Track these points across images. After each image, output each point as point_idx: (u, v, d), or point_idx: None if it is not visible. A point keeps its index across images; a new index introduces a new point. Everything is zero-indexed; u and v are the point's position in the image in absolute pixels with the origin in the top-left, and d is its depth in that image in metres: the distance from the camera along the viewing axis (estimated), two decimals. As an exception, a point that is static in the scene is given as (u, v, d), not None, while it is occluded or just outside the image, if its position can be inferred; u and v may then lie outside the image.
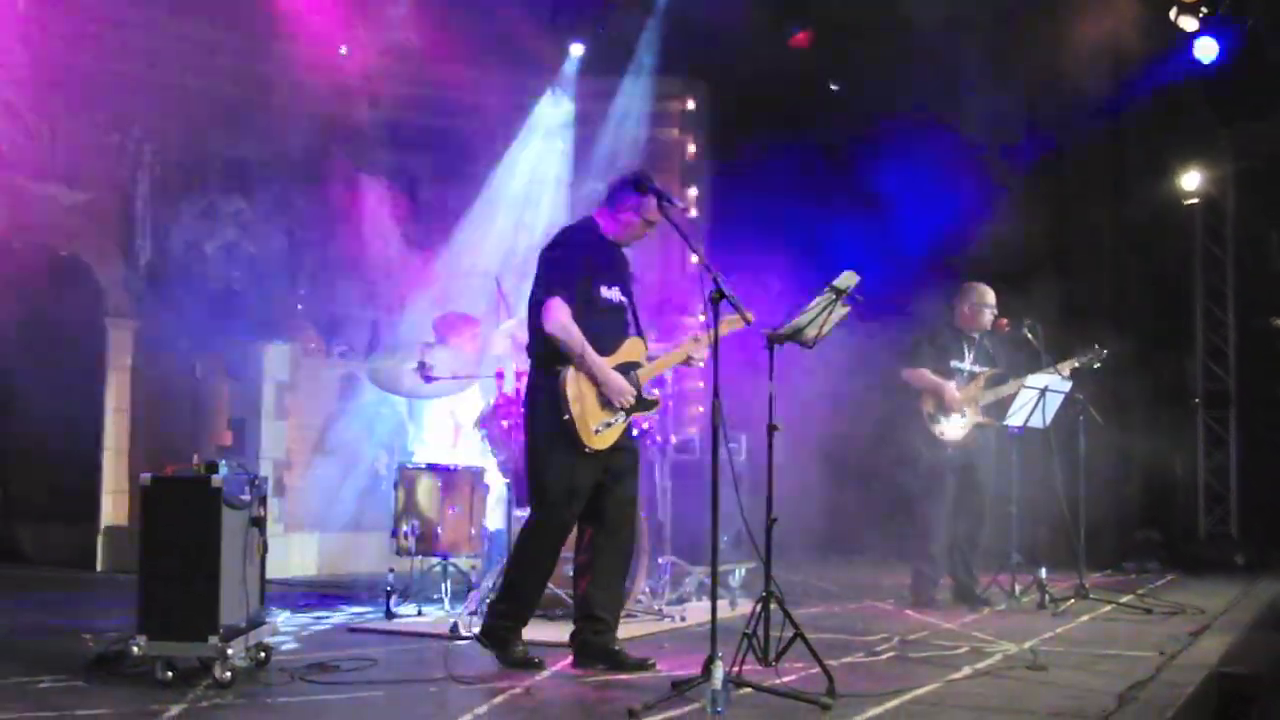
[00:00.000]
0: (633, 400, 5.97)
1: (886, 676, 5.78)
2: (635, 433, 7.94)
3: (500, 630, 5.97)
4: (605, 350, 5.93)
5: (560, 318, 5.80)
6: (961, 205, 12.09)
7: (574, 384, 5.81)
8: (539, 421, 5.97)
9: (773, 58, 12.90)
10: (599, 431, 5.88)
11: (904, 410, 8.85)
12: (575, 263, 5.95)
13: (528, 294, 6.10)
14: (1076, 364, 8.70)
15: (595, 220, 6.16)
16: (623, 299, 6.12)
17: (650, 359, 6.24)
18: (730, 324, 6.04)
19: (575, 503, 5.92)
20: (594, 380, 5.86)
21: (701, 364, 6.34)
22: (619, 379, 5.91)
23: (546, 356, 5.91)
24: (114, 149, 11.12)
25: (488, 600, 6.10)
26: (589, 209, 6.43)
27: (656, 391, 8.23)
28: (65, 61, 10.46)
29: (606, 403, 5.89)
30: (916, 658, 6.40)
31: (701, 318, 5.56)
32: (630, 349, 6.09)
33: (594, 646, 5.94)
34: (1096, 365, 8.78)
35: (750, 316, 5.64)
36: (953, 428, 8.62)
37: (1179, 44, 11.20)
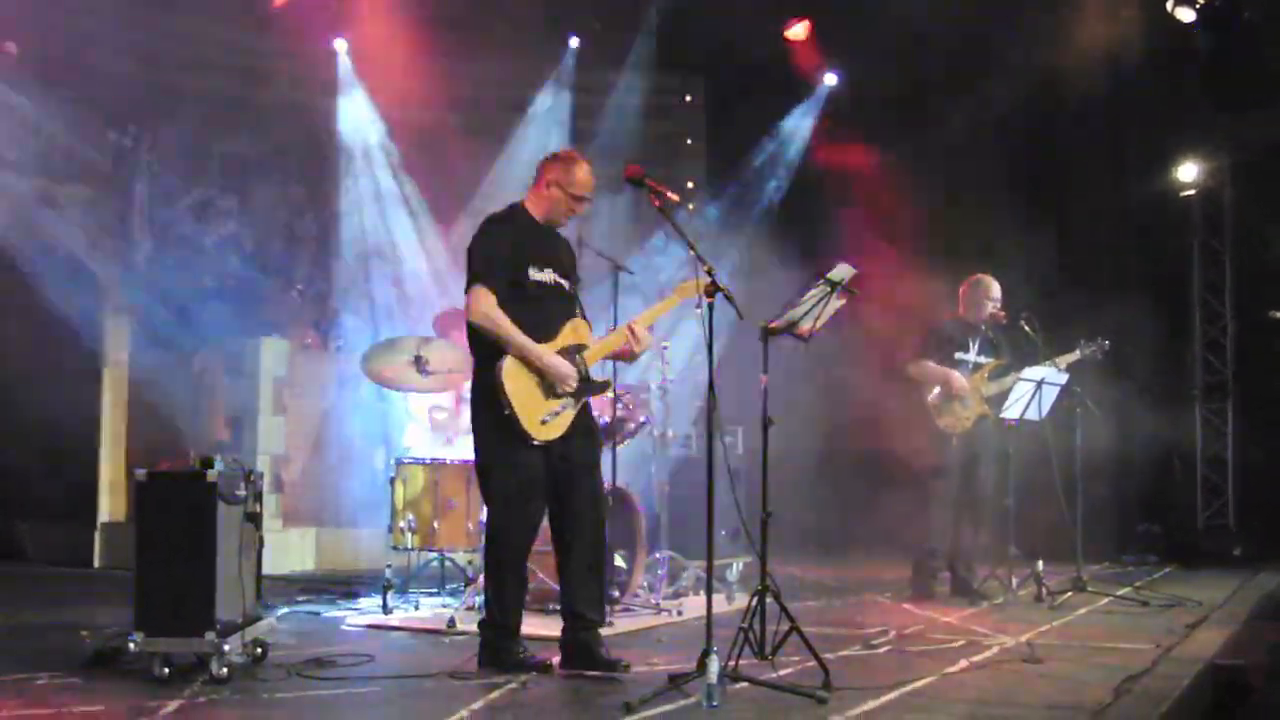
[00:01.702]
0: (575, 385, 5.72)
1: (883, 670, 5.78)
2: (635, 424, 7.94)
3: (494, 646, 5.74)
4: (546, 335, 5.69)
5: (482, 307, 5.59)
6: (959, 195, 12.10)
7: (512, 376, 5.57)
8: (481, 418, 5.74)
9: (771, 50, 12.92)
10: (546, 422, 5.64)
11: (907, 403, 8.85)
12: (497, 249, 5.71)
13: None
14: (1080, 355, 8.69)
15: (522, 205, 5.94)
16: (559, 281, 5.85)
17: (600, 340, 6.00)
18: (681, 292, 5.91)
19: (531, 499, 5.69)
20: (533, 368, 5.63)
21: (638, 350, 5.98)
22: (560, 363, 5.67)
23: (481, 348, 5.69)
24: (112, 145, 11.11)
25: (478, 622, 5.87)
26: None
27: (666, 368, 8.28)
28: (63, 59, 10.45)
29: (551, 390, 5.66)
30: (913, 651, 6.39)
31: (698, 311, 5.45)
32: (573, 332, 5.83)
33: (579, 645, 5.72)
34: (1099, 357, 8.78)
35: (743, 310, 5.49)
36: (957, 420, 8.61)
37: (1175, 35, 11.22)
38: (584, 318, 5.96)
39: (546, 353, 5.65)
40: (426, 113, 12.84)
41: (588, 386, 5.81)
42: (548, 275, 5.80)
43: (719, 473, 5.16)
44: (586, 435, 5.89)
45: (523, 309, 5.65)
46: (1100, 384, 9.49)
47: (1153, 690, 5.29)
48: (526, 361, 5.61)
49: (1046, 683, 5.50)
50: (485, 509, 5.88)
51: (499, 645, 5.73)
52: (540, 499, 5.74)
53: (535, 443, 5.61)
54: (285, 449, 11.14)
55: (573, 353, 5.77)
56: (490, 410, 5.61)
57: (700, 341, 5.35)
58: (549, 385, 5.65)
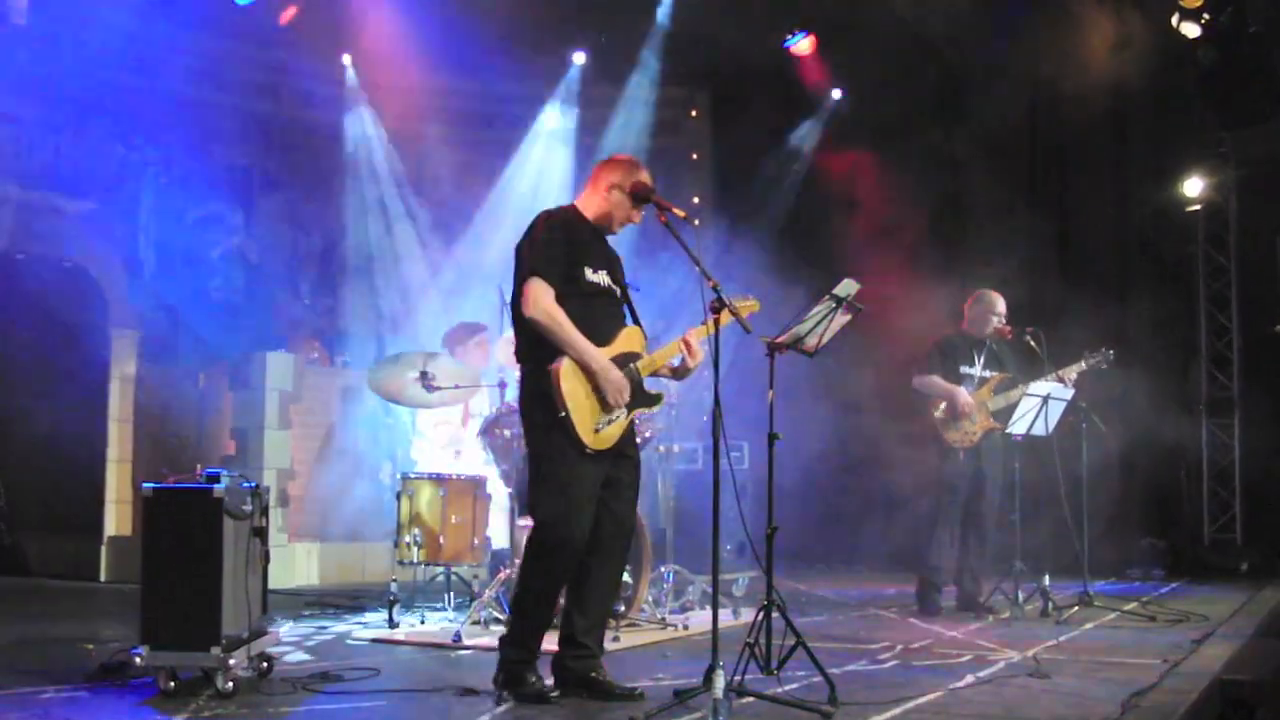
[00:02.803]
0: (629, 396, 5.43)
1: (889, 685, 5.77)
2: (641, 438, 7.88)
3: (516, 670, 5.39)
4: (599, 340, 5.38)
5: (542, 302, 5.28)
6: (961, 211, 12.11)
7: (569, 377, 5.26)
8: (534, 424, 5.40)
9: (775, 64, 12.96)
10: (600, 429, 5.33)
11: (912, 417, 8.85)
12: (555, 243, 5.41)
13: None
14: (1084, 366, 8.67)
15: (576, 206, 5.67)
16: (612, 285, 5.59)
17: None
18: (745, 309, 5.63)
19: (581, 515, 5.31)
20: (588, 371, 5.31)
21: (692, 365, 5.65)
22: (615, 372, 5.35)
23: (536, 348, 5.36)
24: (118, 159, 11.14)
25: (499, 638, 5.54)
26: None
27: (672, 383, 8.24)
28: (69, 72, 10.48)
29: (604, 398, 5.36)
30: (919, 666, 6.38)
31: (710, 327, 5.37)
32: (628, 339, 5.53)
33: (575, 673, 5.43)
34: (1104, 367, 8.75)
35: (749, 326, 5.39)
36: (964, 434, 8.60)
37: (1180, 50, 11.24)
38: (637, 322, 5.68)
39: (604, 361, 5.36)
40: (432, 127, 12.89)
41: (641, 398, 5.54)
42: (602, 278, 5.53)
43: (724, 487, 5.13)
44: (631, 459, 5.62)
45: (576, 310, 5.34)
46: (1106, 398, 9.48)
47: (1159, 705, 5.28)
48: (582, 364, 5.32)
49: (1052, 698, 5.49)
50: (529, 518, 5.56)
51: (520, 671, 5.40)
52: (587, 518, 5.36)
53: (588, 451, 5.31)
54: (291, 463, 11.15)
55: (626, 361, 5.47)
56: (544, 413, 5.29)
57: (706, 356, 5.32)
58: (601, 393, 5.36)
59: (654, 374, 5.73)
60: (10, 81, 10.17)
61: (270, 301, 11.93)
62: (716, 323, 5.19)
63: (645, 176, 5.65)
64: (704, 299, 5.26)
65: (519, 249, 5.51)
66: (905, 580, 9.49)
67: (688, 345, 5.59)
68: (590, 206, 5.65)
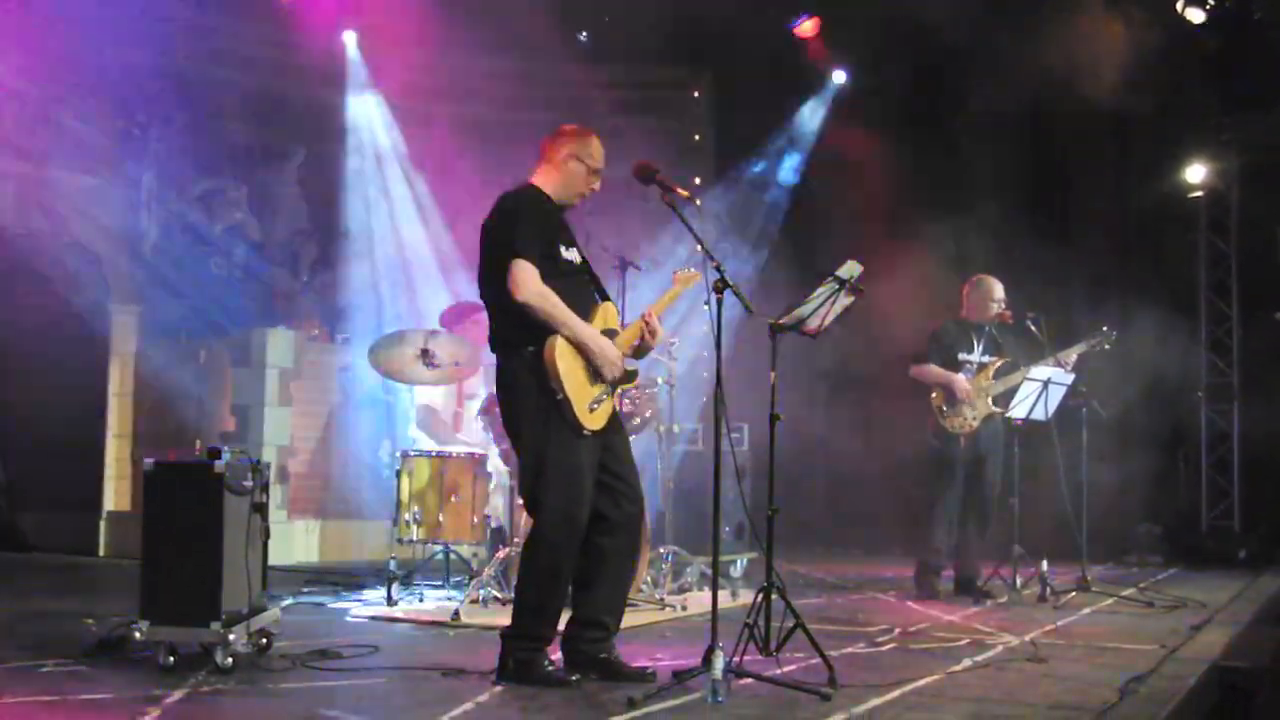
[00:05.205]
0: (622, 372, 5.38)
1: (887, 668, 5.78)
2: (641, 419, 7.91)
3: (523, 660, 5.22)
4: (583, 318, 5.30)
5: (533, 284, 5.14)
6: (960, 197, 12.09)
7: (564, 356, 5.16)
8: (524, 410, 5.25)
9: (779, 45, 12.93)
10: (593, 409, 5.25)
11: (913, 401, 8.86)
12: (533, 223, 5.28)
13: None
14: (1085, 347, 8.66)
15: (535, 184, 5.50)
16: (584, 261, 5.50)
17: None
18: (681, 281, 5.73)
19: (584, 500, 5.22)
20: (582, 351, 5.23)
21: (653, 344, 5.56)
22: (610, 347, 5.29)
23: (521, 332, 5.22)
24: (119, 135, 11.11)
25: (500, 632, 5.38)
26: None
27: (673, 363, 8.23)
28: (71, 48, 10.45)
29: (595, 376, 5.27)
30: (917, 649, 6.39)
31: (707, 307, 5.36)
32: (604, 315, 5.45)
33: (586, 655, 5.32)
34: (1105, 348, 8.74)
35: (752, 306, 5.30)
36: (964, 420, 8.61)
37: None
38: (608, 299, 5.61)
39: (598, 336, 5.29)
40: (434, 106, 12.84)
41: (622, 375, 5.42)
42: (575, 255, 5.43)
43: (724, 469, 5.12)
44: (621, 434, 5.53)
45: (558, 290, 5.22)
46: (1106, 384, 9.47)
47: (1158, 691, 5.29)
48: (575, 343, 5.23)
49: (1051, 682, 5.50)
50: (534, 507, 5.32)
51: (530, 657, 5.23)
52: (589, 502, 5.27)
53: (585, 433, 5.23)
54: (291, 440, 11.16)
55: (608, 338, 5.39)
56: (536, 398, 5.20)
57: (707, 337, 5.30)
58: (593, 370, 5.27)
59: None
60: (12, 57, 10.14)
61: (271, 278, 11.92)
62: (720, 302, 5.16)
63: (598, 143, 5.57)
64: (707, 278, 5.26)
65: (489, 232, 5.38)
66: (903, 563, 9.50)
67: (647, 324, 5.49)
68: (549, 182, 5.51)
